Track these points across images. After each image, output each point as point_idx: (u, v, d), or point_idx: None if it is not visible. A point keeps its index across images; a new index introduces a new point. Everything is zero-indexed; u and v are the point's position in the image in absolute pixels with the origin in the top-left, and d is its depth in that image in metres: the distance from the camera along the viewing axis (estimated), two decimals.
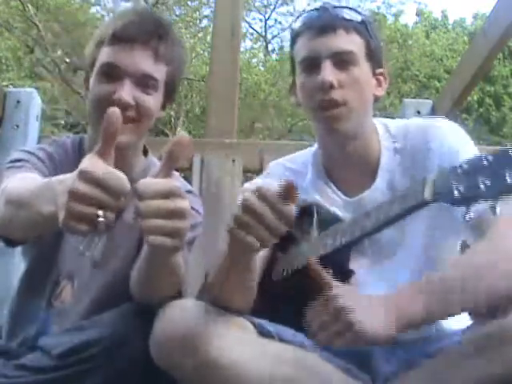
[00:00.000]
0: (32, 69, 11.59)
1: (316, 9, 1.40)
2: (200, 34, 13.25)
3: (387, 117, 1.51)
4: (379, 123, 1.44)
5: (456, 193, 0.98)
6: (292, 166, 1.50)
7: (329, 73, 1.31)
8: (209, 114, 2.80)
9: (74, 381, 1.12)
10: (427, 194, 1.04)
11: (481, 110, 14.34)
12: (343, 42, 1.33)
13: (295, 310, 1.17)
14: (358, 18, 1.36)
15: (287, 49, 15.49)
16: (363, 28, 1.36)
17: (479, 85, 12.13)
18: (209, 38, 11.63)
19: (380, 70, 1.42)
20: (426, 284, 1.11)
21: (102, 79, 1.35)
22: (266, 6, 15.22)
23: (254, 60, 14.19)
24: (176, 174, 1.48)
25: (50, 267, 1.41)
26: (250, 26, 14.95)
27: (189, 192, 1.48)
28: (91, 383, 1.12)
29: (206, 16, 12.94)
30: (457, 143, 1.33)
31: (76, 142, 1.50)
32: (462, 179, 0.98)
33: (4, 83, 9.78)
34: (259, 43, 15.56)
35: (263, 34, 15.59)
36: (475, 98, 13.73)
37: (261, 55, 14.87)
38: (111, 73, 1.34)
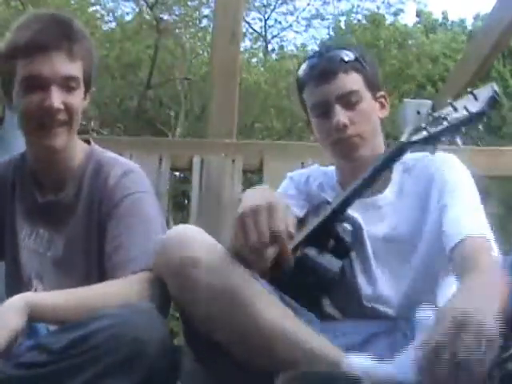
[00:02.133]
0: None
1: (314, 56, 1.58)
2: (200, 34, 13.23)
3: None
4: None
5: (425, 132, 1.17)
6: (301, 177, 1.70)
7: (341, 115, 1.48)
8: (209, 115, 2.80)
9: (74, 372, 1.13)
10: (404, 138, 1.25)
11: None
12: (345, 84, 1.50)
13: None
14: (352, 57, 1.53)
15: (287, 48, 15.51)
16: (358, 64, 1.53)
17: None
18: (208, 37, 11.63)
19: (380, 93, 1.59)
20: None
21: (28, 91, 1.43)
22: (265, 6, 15.22)
23: (254, 60, 14.18)
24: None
25: (19, 270, 1.52)
26: (250, 26, 14.95)
27: (129, 172, 1.52)
28: (92, 373, 1.13)
29: (205, 16, 12.93)
30: (455, 175, 1.49)
31: (17, 159, 1.63)
32: (431, 122, 1.18)
33: None
34: (259, 43, 15.55)
35: (263, 33, 15.59)
36: None
37: (260, 55, 14.86)
38: (35, 84, 1.42)
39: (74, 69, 1.45)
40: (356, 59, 1.53)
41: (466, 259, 1.28)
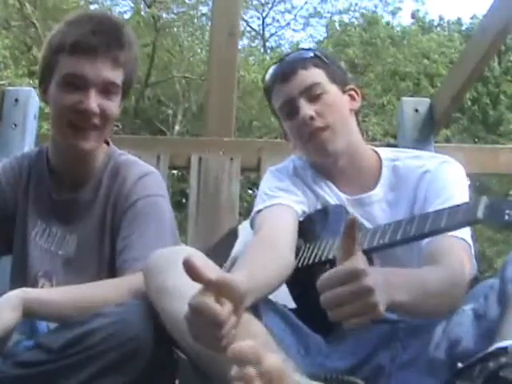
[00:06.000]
0: (30, 67, 11.58)
1: (276, 62, 1.61)
2: (198, 33, 13.23)
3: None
4: (381, 148, 1.60)
5: (506, 217, 1.08)
6: (291, 166, 1.64)
7: (306, 108, 1.49)
8: (207, 113, 2.80)
9: (74, 371, 1.14)
10: (480, 213, 1.13)
11: (474, 108, 14.34)
12: (306, 78, 1.52)
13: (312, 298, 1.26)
14: (310, 54, 1.56)
15: (285, 47, 15.52)
16: (317, 60, 1.55)
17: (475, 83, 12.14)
18: (207, 36, 11.62)
19: (349, 86, 1.59)
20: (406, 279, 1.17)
21: (66, 89, 1.43)
22: (263, 4, 15.23)
23: (252, 58, 14.18)
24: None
25: (26, 267, 1.51)
26: (248, 25, 14.95)
27: (145, 175, 1.52)
28: (90, 372, 1.13)
29: (203, 14, 12.92)
30: (447, 182, 1.45)
31: (33, 156, 1.61)
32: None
33: (2, 82, 9.76)
34: (257, 41, 15.56)
35: (261, 32, 15.59)
36: (470, 96, 13.72)
37: (258, 53, 14.86)
38: (75, 83, 1.42)
39: (116, 76, 1.45)
40: (315, 56, 1.55)
41: (432, 255, 1.30)
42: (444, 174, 1.46)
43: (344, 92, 1.56)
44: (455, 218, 1.18)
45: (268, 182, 1.61)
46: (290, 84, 1.51)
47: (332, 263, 1.32)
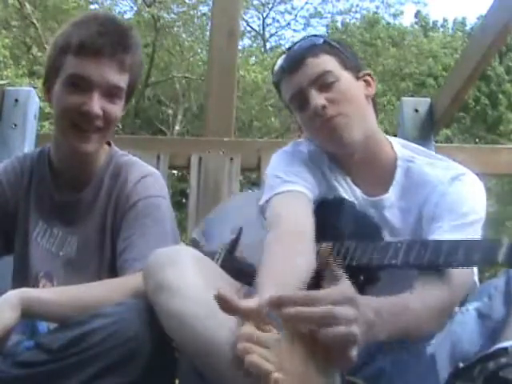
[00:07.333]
0: (30, 67, 11.59)
1: (284, 52, 1.52)
2: (198, 33, 13.22)
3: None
4: (395, 140, 1.52)
5: None
6: (304, 149, 1.53)
7: (317, 98, 1.40)
8: (207, 113, 2.80)
9: (74, 371, 1.14)
10: (501, 257, 1.09)
11: (477, 108, 14.35)
12: (316, 66, 1.43)
13: None
14: (320, 41, 1.47)
15: (285, 47, 15.54)
16: (327, 46, 1.46)
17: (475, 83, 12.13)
18: (207, 36, 11.62)
19: (364, 72, 1.50)
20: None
21: (70, 90, 1.42)
22: (263, 5, 15.23)
23: (252, 58, 14.18)
24: None
25: (27, 267, 1.52)
26: (248, 25, 14.96)
27: (146, 176, 1.52)
28: (90, 372, 1.13)
29: (203, 14, 12.91)
30: (461, 197, 1.37)
31: (35, 156, 1.61)
32: None
33: (2, 82, 9.76)
34: (257, 41, 15.56)
35: (261, 32, 15.59)
36: (473, 96, 13.73)
37: (258, 54, 14.86)
38: (79, 84, 1.41)
39: (121, 80, 1.44)
40: (324, 42, 1.47)
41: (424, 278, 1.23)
42: (458, 187, 1.39)
43: (358, 78, 1.48)
44: (472, 255, 1.13)
45: (281, 164, 1.51)
46: (300, 74, 1.43)
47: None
